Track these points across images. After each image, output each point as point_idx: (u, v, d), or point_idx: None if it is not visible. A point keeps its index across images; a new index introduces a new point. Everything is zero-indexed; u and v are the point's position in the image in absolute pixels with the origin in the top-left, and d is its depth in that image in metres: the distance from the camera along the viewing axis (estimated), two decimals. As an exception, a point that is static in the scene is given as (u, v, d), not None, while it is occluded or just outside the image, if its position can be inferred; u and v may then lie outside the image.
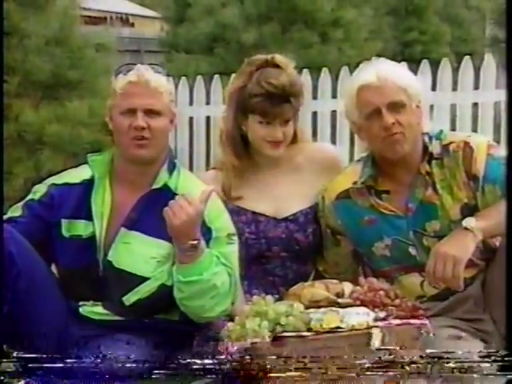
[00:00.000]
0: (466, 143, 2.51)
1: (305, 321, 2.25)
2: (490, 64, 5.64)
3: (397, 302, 2.33)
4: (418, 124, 2.51)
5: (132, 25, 15.31)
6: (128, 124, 2.37)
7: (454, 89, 5.82)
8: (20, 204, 2.47)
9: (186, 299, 2.35)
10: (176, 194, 2.37)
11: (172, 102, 2.47)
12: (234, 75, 2.80)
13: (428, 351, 2.19)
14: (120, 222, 2.40)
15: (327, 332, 2.22)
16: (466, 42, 11.31)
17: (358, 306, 2.31)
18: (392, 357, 2.15)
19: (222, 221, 2.44)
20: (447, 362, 2.11)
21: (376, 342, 2.20)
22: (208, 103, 6.59)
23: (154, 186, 2.43)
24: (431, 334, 2.27)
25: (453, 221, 2.48)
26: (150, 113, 2.38)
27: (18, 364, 2.14)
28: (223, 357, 2.20)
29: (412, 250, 2.54)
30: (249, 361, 2.15)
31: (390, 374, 2.11)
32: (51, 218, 2.43)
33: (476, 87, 5.73)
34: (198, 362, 2.16)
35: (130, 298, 2.38)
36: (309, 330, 2.24)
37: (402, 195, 2.54)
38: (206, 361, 2.16)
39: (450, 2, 11.57)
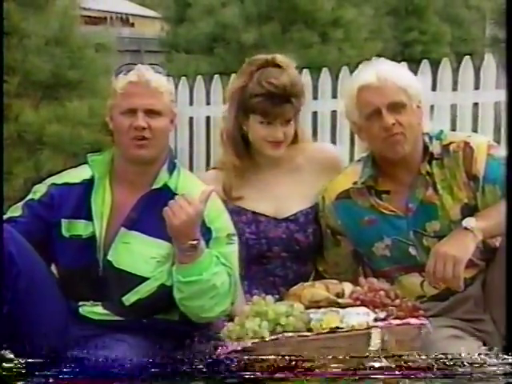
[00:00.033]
0: (467, 143, 2.50)
1: (305, 321, 2.25)
2: (491, 64, 5.64)
3: (397, 302, 2.33)
4: (418, 124, 2.51)
5: (132, 25, 15.32)
6: (128, 124, 2.37)
7: (455, 89, 5.81)
8: (20, 204, 2.47)
9: (185, 299, 2.35)
10: (176, 194, 2.37)
11: (172, 102, 2.47)
12: (234, 75, 2.80)
13: (428, 351, 2.19)
14: (120, 221, 2.40)
15: (327, 332, 2.22)
16: (466, 42, 11.30)
17: (358, 306, 2.31)
18: (392, 357, 2.15)
19: (221, 221, 2.44)
20: (447, 363, 2.11)
21: (376, 342, 2.20)
22: (208, 103, 6.59)
23: (154, 186, 2.43)
24: (431, 335, 2.27)
25: (453, 221, 2.48)
26: (151, 113, 2.37)
27: (18, 364, 2.14)
28: (223, 357, 2.20)
29: (412, 250, 2.54)
30: (249, 361, 2.15)
31: (390, 374, 2.11)
32: (51, 218, 2.43)
33: (476, 87, 5.73)
34: (198, 362, 2.16)
35: (129, 298, 2.38)
36: (309, 330, 2.24)
37: (403, 195, 2.54)
38: (206, 361, 2.16)
39: (450, 2, 11.56)
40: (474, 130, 5.49)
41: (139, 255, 2.38)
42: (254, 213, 2.70)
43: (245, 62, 2.75)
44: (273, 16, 7.66)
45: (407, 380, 2.11)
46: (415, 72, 4.46)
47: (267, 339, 2.21)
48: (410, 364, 2.12)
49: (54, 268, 2.48)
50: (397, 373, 2.11)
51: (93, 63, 5.35)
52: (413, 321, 2.27)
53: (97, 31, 6.25)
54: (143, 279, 2.38)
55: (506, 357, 2.13)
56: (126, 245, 2.39)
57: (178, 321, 2.44)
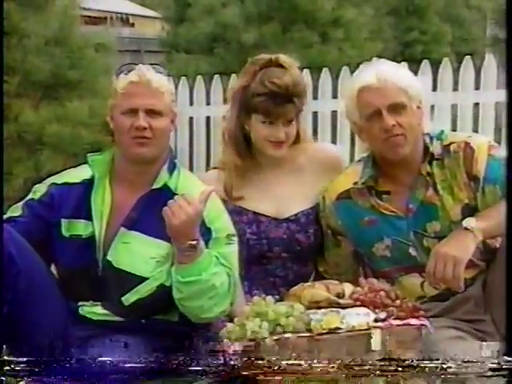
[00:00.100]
0: (467, 144, 2.50)
1: (305, 321, 2.25)
2: (491, 64, 5.64)
3: (397, 302, 2.33)
4: (418, 125, 2.51)
5: (132, 25, 15.34)
6: (129, 124, 2.37)
7: (455, 89, 5.81)
8: (20, 204, 2.47)
9: (184, 299, 2.35)
10: (176, 194, 2.37)
11: (173, 102, 2.47)
12: (235, 75, 2.80)
13: (428, 352, 2.19)
14: (120, 221, 2.40)
15: (327, 333, 2.22)
16: (466, 42, 11.30)
17: (358, 306, 2.31)
18: (392, 357, 2.15)
19: (221, 221, 2.43)
20: (447, 363, 2.11)
21: (376, 343, 2.20)
22: (208, 103, 6.59)
23: (154, 186, 2.43)
24: (431, 335, 2.27)
25: (453, 221, 2.47)
26: (152, 113, 2.37)
27: (18, 364, 2.14)
28: (223, 357, 2.20)
29: (412, 251, 2.54)
30: (249, 361, 2.15)
31: (390, 374, 2.11)
32: (51, 218, 2.43)
33: (477, 87, 5.73)
34: (198, 362, 2.16)
35: (129, 298, 2.38)
36: (309, 330, 2.24)
37: (403, 196, 2.54)
38: (206, 362, 2.16)
39: (450, 2, 11.56)
40: (475, 131, 5.49)
41: (139, 255, 2.38)
42: (254, 213, 2.70)
43: (245, 61, 2.75)
44: (273, 16, 7.66)
45: (407, 381, 2.11)
46: (416, 72, 4.47)
47: (267, 339, 2.21)
48: (409, 364, 2.12)
49: (53, 268, 2.48)
50: (397, 373, 2.11)
51: (93, 63, 5.35)
52: (413, 321, 2.27)
53: (97, 31, 6.25)
54: (143, 279, 2.38)
55: (506, 357, 2.13)
56: (125, 245, 2.39)
57: (177, 321, 2.44)
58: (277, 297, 2.48)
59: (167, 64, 7.76)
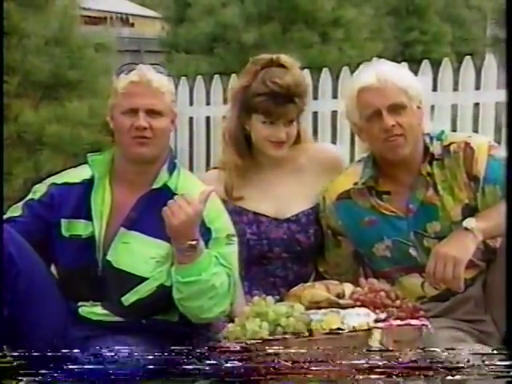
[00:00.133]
0: (467, 144, 2.50)
1: (305, 322, 2.25)
2: (492, 64, 5.63)
3: (397, 302, 2.33)
4: (418, 125, 2.51)
5: (132, 25, 15.34)
6: (129, 124, 2.37)
7: (455, 89, 5.81)
8: (20, 204, 2.47)
9: (184, 300, 2.34)
10: (176, 194, 2.37)
11: (173, 103, 2.47)
12: (235, 75, 2.80)
13: (428, 352, 2.19)
14: (120, 221, 2.40)
15: (328, 333, 2.22)
16: (467, 42, 11.30)
17: (358, 306, 2.31)
18: (392, 358, 2.15)
19: (221, 221, 2.43)
20: (447, 363, 2.11)
21: (376, 343, 2.19)
22: (208, 103, 6.58)
23: (153, 186, 2.43)
24: (432, 335, 2.27)
25: (454, 222, 2.47)
26: (152, 113, 2.37)
27: (18, 365, 2.14)
28: (223, 358, 2.20)
29: (412, 251, 2.53)
30: (249, 362, 2.15)
31: (391, 374, 2.11)
32: (51, 218, 2.42)
33: (477, 87, 5.72)
34: (198, 363, 2.16)
35: (128, 298, 2.38)
36: (309, 331, 2.24)
37: (403, 196, 2.54)
38: (206, 362, 2.16)
39: (450, 2, 11.57)
40: (475, 131, 5.48)
41: (138, 255, 2.38)
42: (255, 213, 2.70)
43: (245, 61, 2.75)
44: (273, 16, 7.66)
45: (407, 381, 2.11)
46: (416, 72, 4.47)
47: (267, 340, 2.21)
48: (409, 364, 2.12)
49: (53, 268, 2.48)
50: (397, 373, 2.11)
51: (93, 63, 5.35)
52: (413, 321, 2.27)
53: (97, 31, 6.25)
54: (142, 279, 2.37)
55: (506, 357, 2.12)
56: (125, 245, 2.39)
57: (177, 321, 2.44)
58: (277, 297, 2.48)
59: (167, 64, 7.76)
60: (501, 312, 2.28)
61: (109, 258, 2.39)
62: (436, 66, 5.80)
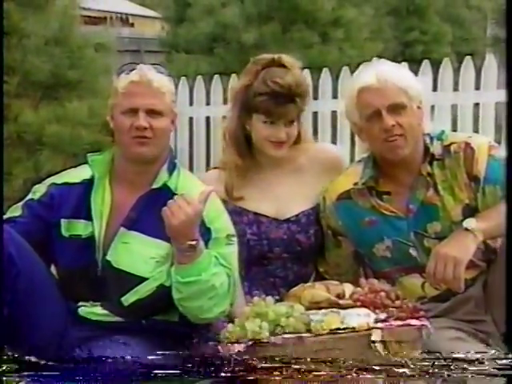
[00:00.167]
0: (467, 144, 2.50)
1: (305, 322, 2.25)
2: (492, 64, 5.63)
3: (397, 303, 2.33)
4: (418, 125, 2.50)
5: (132, 25, 15.36)
6: (130, 124, 2.37)
7: (455, 89, 5.81)
8: (20, 204, 2.47)
9: (184, 300, 2.34)
10: (176, 194, 2.37)
11: (173, 103, 2.46)
12: (235, 75, 2.80)
13: (428, 352, 2.19)
14: (119, 221, 2.40)
15: (328, 333, 2.22)
16: (467, 42, 11.31)
17: (358, 307, 2.31)
18: (392, 358, 2.15)
19: (221, 221, 2.43)
20: (447, 363, 2.11)
21: (376, 344, 2.19)
22: (208, 103, 6.58)
23: (153, 186, 2.43)
24: (432, 336, 2.27)
25: (454, 222, 2.47)
26: (152, 113, 2.37)
27: (18, 365, 2.14)
28: (223, 358, 2.20)
29: (413, 252, 2.53)
30: (249, 362, 2.15)
31: (391, 375, 2.11)
32: (51, 218, 2.42)
33: (477, 87, 5.73)
34: (198, 363, 2.16)
35: (128, 299, 2.37)
36: (309, 331, 2.23)
37: (403, 196, 2.54)
38: (206, 362, 2.16)
39: (451, 2, 11.57)
40: (475, 131, 5.49)
41: (138, 255, 2.38)
42: (255, 214, 2.70)
43: (245, 61, 2.75)
44: (273, 16, 7.66)
45: (407, 381, 2.11)
46: (416, 72, 4.47)
47: (267, 340, 2.20)
48: (410, 364, 2.12)
49: (53, 269, 2.48)
50: (397, 373, 2.11)
51: (92, 63, 5.35)
52: (413, 322, 2.27)
53: (96, 31, 6.25)
54: (142, 279, 2.37)
55: (506, 357, 2.13)
56: (125, 245, 2.39)
57: (177, 322, 2.43)
58: (277, 297, 2.48)
59: (167, 64, 7.76)
60: (501, 312, 2.28)
61: (108, 258, 2.38)
62: (436, 66, 5.80)
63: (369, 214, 2.57)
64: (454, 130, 5.45)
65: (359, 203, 2.59)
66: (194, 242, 2.28)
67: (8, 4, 4.86)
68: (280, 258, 2.69)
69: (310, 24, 7.72)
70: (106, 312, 2.39)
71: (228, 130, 2.73)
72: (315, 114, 6.04)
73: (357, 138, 2.71)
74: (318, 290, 2.39)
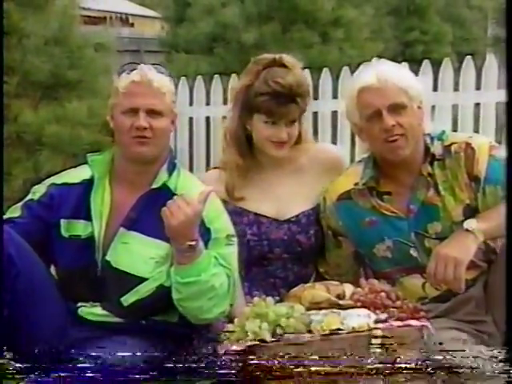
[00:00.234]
0: (468, 144, 2.50)
1: (305, 322, 2.24)
2: (492, 64, 5.63)
3: (398, 303, 2.32)
4: (419, 125, 2.50)
5: (132, 25, 15.37)
6: (130, 124, 2.36)
7: (456, 89, 5.80)
8: (19, 204, 2.47)
9: (183, 300, 2.34)
10: (175, 195, 2.37)
11: (174, 103, 2.46)
12: (236, 75, 2.80)
13: (429, 353, 2.18)
14: (119, 221, 2.40)
15: (328, 334, 2.21)
16: (467, 42, 11.31)
17: (358, 307, 2.31)
18: (393, 358, 2.15)
19: (221, 222, 2.43)
20: (448, 363, 2.10)
21: (377, 344, 2.19)
22: (208, 103, 6.58)
23: (153, 186, 2.42)
24: (432, 336, 2.26)
25: (455, 222, 2.47)
26: (152, 113, 2.37)
27: (18, 365, 2.14)
28: (223, 358, 2.19)
29: (413, 252, 2.53)
30: (249, 362, 2.14)
31: (391, 375, 2.11)
32: (50, 219, 2.42)
33: (478, 87, 5.72)
34: (198, 363, 2.15)
35: (128, 299, 2.37)
36: (309, 331, 2.23)
37: (404, 196, 2.53)
38: (206, 363, 2.15)
39: (451, 2, 11.58)
40: (476, 131, 5.48)
41: (138, 255, 2.37)
42: (255, 214, 2.70)
43: (245, 61, 2.75)
44: (273, 16, 7.66)
45: (408, 381, 2.10)
46: (416, 72, 4.45)
47: (268, 340, 2.20)
48: (410, 365, 2.12)
49: (53, 269, 2.48)
50: (397, 374, 2.10)
51: (92, 63, 5.35)
52: (414, 322, 2.26)
53: (96, 31, 6.24)
54: (142, 280, 2.37)
55: (506, 358, 2.12)
56: (124, 245, 2.38)
57: (177, 322, 2.43)
58: (277, 298, 2.48)
59: (167, 64, 7.74)
60: (502, 312, 2.27)
61: (108, 258, 2.38)
62: (437, 66, 5.79)
63: (369, 214, 2.56)
64: (455, 130, 5.44)
65: (360, 203, 2.58)
66: (193, 243, 2.27)
67: (8, 4, 4.86)
68: (280, 258, 2.69)
69: (310, 24, 7.72)
70: (105, 312, 2.39)
71: (229, 130, 2.73)
72: (315, 114, 6.03)
73: (357, 138, 2.71)
74: (318, 291, 2.39)
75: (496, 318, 2.47)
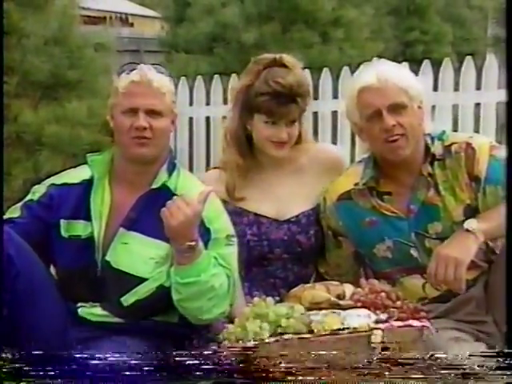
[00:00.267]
0: (468, 144, 2.49)
1: (305, 323, 2.24)
2: (493, 64, 5.62)
3: (398, 303, 2.32)
4: (419, 125, 2.50)
5: (131, 25, 15.37)
6: (129, 124, 2.36)
7: (456, 89, 5.80)
8: (19, 205, 2.46)
9: (183, 301, 2.33)
10: (175, 195, 2.36)
11: (174, 103, 2.46)
12: (236, 75, 2.79)
13: (429, 353, 2.18)
14: (119, 222, 2.39)
15: (328, 334, 2.21)
16: (468, 42, 11.31)
17: (359, 307, 2.30)
18: (393, 359, 2.14)
19: (220, 222, 2.42)
20: (448, 364, 2.10)
21: (377, 344, 2.18)
22: (208, 103, 6.58)
23: (153, 186, 2.42)
24: (433, 336, 2.26)
25: (455, 222, 2.47)
26: (152, 113, 2.37)
27: (17, 366, 2.13)
28: (223, 359, 2.19)
29: (414, 252, 2.53)
30: (249, 363, 2.14)
31: (391, 376, 2.10)
32: (50, 219, 2.42)
33: (478, 87, 5.71)
34: (198, 364, 2.15)
35: (128, 299, 2.37)
36: (309, 331, 2.23)
37: (404, 197, 2.53)
38: (206, 363, 2.15)
39: (451, 2, 11.58)
40: (476, 131, 5.48)
41: (138, 256, 2.37)
42: (255, 214, 2.69)
43: (245, 61, 2.74)
44: (273, 16, 7.65)
45: (408, 382, 2.10)
46: (416, 72, 4.46)
47: (268, 341, 2.20)
48: (410, 365, 2.11)
49: (52, 269, 2.47)
50: (397, 374, 2.10)
51: (92, 63, 5.35)
52: (414, 323, 2.26)
53: (96, 31, 6.25)
54: (142, 280, 2.37)
55: (506, 358, 2.12)
56: (124, 245, 2.38)
57: (177, 322, 2.43)
58: (277, 298, 2.47)
59: (167, 64, 7.74)
60: (502, 313, 2.27)
61: (108, 258, 2.38)
62: (437, 65, 5.79)
63: (369, 214, 2.56)
64: (455, 130, 5.44)
65: (360, 204, 2.58)
66: (193, 243, 2.27)
67: (8, 4, 4.86)
68: (280, 258, 2.69)
69: (311, 24, 7.71)
70: (105, 313, 2.39)
71: (229, 130, 2.73)
72: (315, 114, 6.03)
73: (357, 139, 2.71)
74: (318, 291, 2.39)
75: (496, 319, 2.47)
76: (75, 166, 2.56)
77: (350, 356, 2.15)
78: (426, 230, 2.51)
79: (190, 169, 6.20)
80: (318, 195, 2.68)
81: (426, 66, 5.75)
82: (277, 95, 2.58)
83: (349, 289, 2.40)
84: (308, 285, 2.50)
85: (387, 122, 2.43)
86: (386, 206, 2.55)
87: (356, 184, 2.58)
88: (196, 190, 2.34)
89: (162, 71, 2.45)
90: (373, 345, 2.19)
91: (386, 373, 2.11)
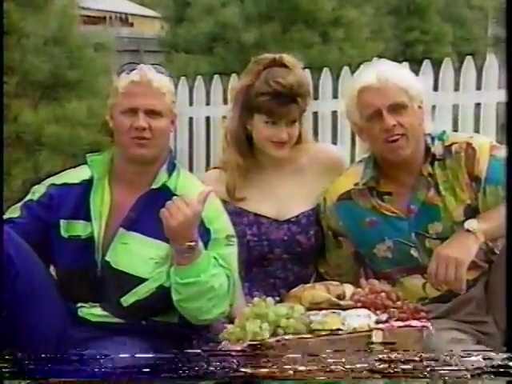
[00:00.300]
0: (469, 144, 2.49)
1: (305, 323, 2.24)
2: (493, 64, 5.63)
3: (398, 304, 2.32)
4: (419, 125, 2.50)
5: (131, 24, 15.37)
6: (129, 124, 2.36)
7: (456, 89, 5.80)
8: (19, 205, 2.46)
9: (183, 301, 2.33)
10: (175, 195, 2.36)
11: (173, 103, 2.46)
12: (236, 75, 2.79)
13: (429, 353, 2.18)
14: (119, 222, 2.39)
15: (328, 334, 2.21)
16: (468, 42, 11.31)
17: (359, 308, 2.30)
18: (393, 359, 2.14)
19: (220, 222, 2.42)
20: (448, 364, 2.10)
21: (377, 345, 2.18)
22: (208, 103, 6.58)
23: (153, 186, 2.42)
24: (433, 337, 2.26)
25: (456, 222, 2.46)
26: (152, 113, 2.36)
27: (17, 366, 2.13)
28: (223, 359, 2.19)
29: (414, 252, 2.52)
30: (249, 363, 2.14)
31: (391, 376, 2.10)
32: (50, 219, 2.42)
33: (478, 87, 5.72)
34: (198, 364, 2.15)
35: (127, 299, 2.37)
36: (310, 332, 2.23)
37: (404, 197, 2.53)
38: (206, 363, 2.15)
39: (452, 2, 11.59)
40: (477, 131, 5.48)
41: (138, 256, 2.37)
42: (255, 214, 2.69)
43: (245, 61, 2.74)
44: (273, 16, 7.66)
45: (408, 382, 2.10)
46: (417, 72, 4.45)
47: (267, 341, 2.19)
48: (410, 365, 2.11)
49: (52, 269, 2.47)
50: (397, 374, 2.10)
51: (92, 63, 5.35)
52: (414, 323, 2.26)
53: (96, 31, 6.25)
54: (141, 280, 2.36)
55: (507, 358, 2.12)
56: (124, 245, 2.38)
57: (177, 323, 2.43)
58: (277, 298, 2.47)
59: (167, 64, 7.75)
60: (502, 313, 2.27)
61: (108, 258, 2.38)
62: (437, 65, 5.79)
63: (370, 214, 2.56)
64: (455, 130, 5.44)
65: (360, 204, 2.58)
66: (192, 243, 2.27)
67: (8, 4, 4.86)
68: (280, 258, 2.69)
69: (311, 24, 7.72)
70: (105, 313, 2.39)
71: (229, 130, 2.73)
72: (316, 114, 6.03)
73: (357, 138, 2.71)
74: (318, 291, 2.38)
75: (497, 319, 2.46)
76: (75, 166, 2.56)
77: (350, 356, 2.15)
78: (426, 230, 2.50)
79: (190, 169, 6.21)
80: (318, 195, 2.68)
81: (427, 65, 5.76)
82: (277, 95, 2.58)
83: (349, 289, 2.39)
84: (308, 285, 2.50)
85: (387, 121, 2.43)
86: (386, 206, 2.55)
87: (356, 184, 2.58)
88: (196, 190, 2.34)
89: (162, 71, 2.44)
90: (373, 345, 2.19)
91: (386, 373, 2.11)
